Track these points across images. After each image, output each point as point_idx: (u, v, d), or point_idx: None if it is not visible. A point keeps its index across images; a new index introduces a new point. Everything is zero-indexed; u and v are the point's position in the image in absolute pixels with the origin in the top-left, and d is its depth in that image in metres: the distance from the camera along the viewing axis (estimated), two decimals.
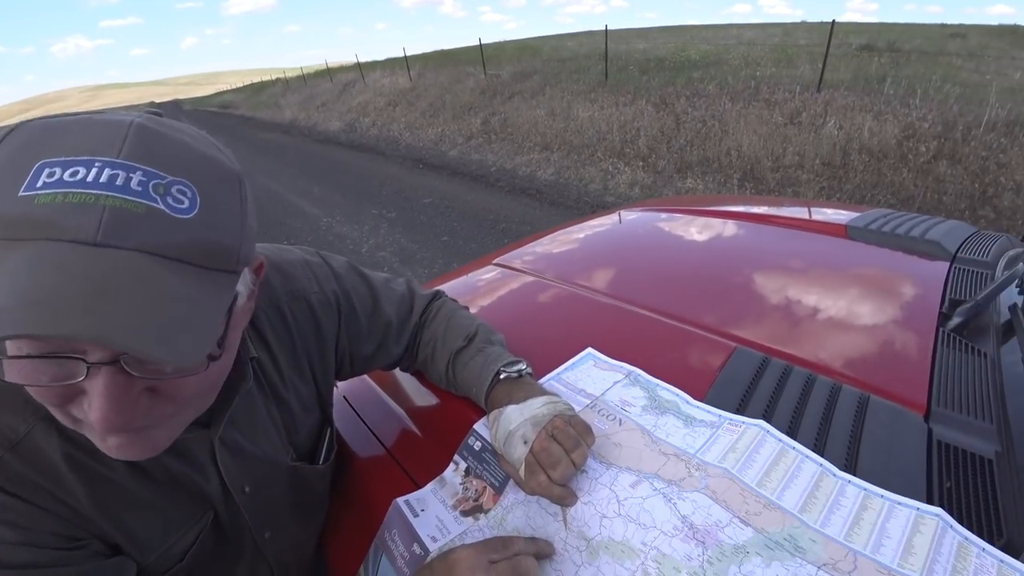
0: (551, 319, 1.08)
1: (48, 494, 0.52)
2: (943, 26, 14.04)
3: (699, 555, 0.55)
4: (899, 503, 0.59)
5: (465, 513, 0.70)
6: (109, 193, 0.40)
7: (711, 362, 0.85)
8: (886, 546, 0.54)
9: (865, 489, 0.61)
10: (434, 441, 0.86)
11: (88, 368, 0.42)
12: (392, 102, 13.75)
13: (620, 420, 0.75)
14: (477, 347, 0.83)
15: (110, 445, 0.47)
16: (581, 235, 1.54)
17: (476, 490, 0.72)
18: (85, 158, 0.40)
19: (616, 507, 0.63)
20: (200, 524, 0.63)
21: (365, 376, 1.08)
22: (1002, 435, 0.70)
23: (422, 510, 0.72)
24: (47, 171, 0.40)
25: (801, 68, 8.28)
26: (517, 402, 0.71)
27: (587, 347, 0.91)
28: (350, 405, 1.05)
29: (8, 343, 0.42)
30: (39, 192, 0.39)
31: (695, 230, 1.44)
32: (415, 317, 0.88)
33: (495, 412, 0.72)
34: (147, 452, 0.49)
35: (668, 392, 0.79)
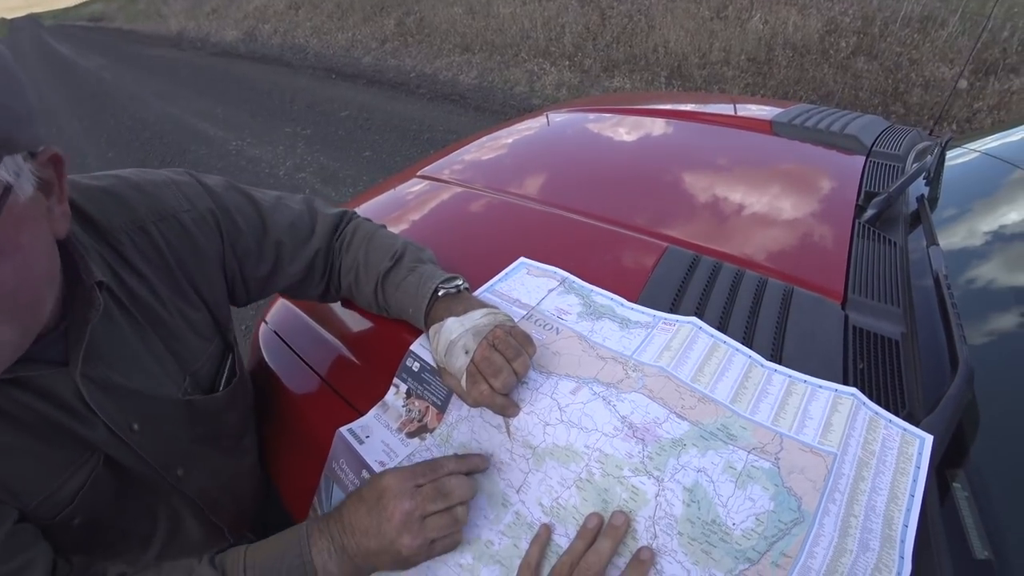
0: (481, 230, 1.06)
1: None
2: None
3: (639, 452, 0.58)
4: (820, 386, 0.64)
5: (411, 435, 0.71)
6: None
7: (643, 262, 0.86)
8: (808, 426, 0.59)
9: (790, 376, 0.66)
10: (371, 366, 0.84)
11: None
12: (294, 4, 12.48)
13: (557, 329, 0.75)
14: (408, 267, 0.80)
15: None
16: (508, 140, 1.48)
17: (419, 411, 0.73)
18: None
19: (558, 414, 0.64)
20: (88, 466, 0.60)
21: (293, 306, 1.04)
22: (907, 318, 0.75)
23: (367, 436, 0.72)
24: None
25: None
26: (457, 315, 0.70)
27: (519, 257, 0.90)
28: (280, 338, 1.01)
29: None
30: None
31: (623, 130, 1.41)
32: (319, 239, 0.82)
33: (435, 326, 0.71)
34: None
35: (603, 297, 0.80)
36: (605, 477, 0.57)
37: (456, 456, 0.63)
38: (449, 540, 0.58)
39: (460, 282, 0.77)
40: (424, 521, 0.55)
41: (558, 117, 1.61)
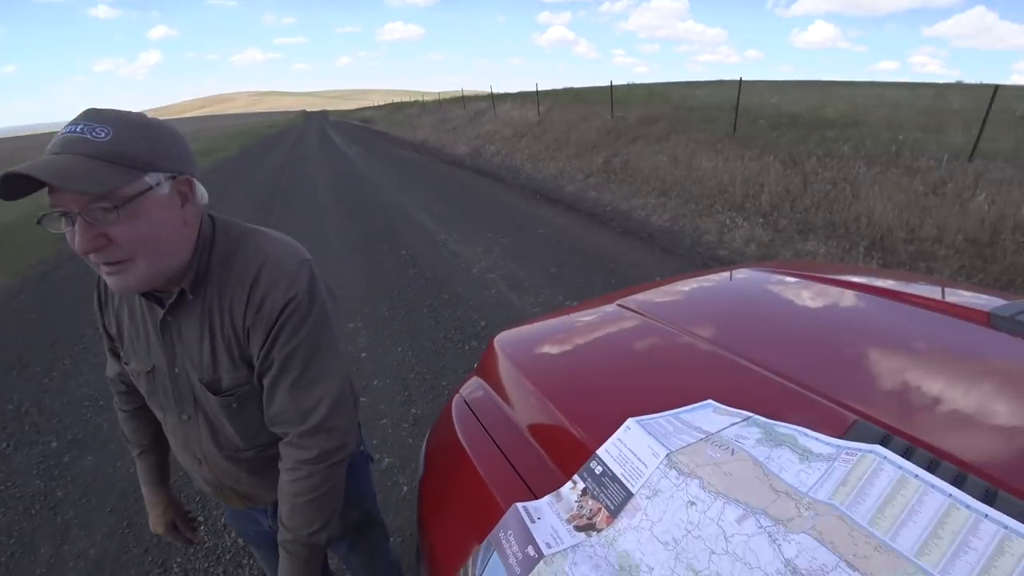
0: (670, 364, 1.13)
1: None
2: None
3: None
4: None
5: (579, 528, 0.75)
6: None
7: (830, 431, 0.84)
8: None
9: (1006, 527, 0.54)
10: (552, 458, 0.93)
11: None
12: (518, 133, 14.30)
13: (733, 450, 0.75)
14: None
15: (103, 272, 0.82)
16: (704, 287, 1.57)
17: (591, 509, 0.77)
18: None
19: (724, 544, 0.63)
20: (146, 364, 0.97)
21: (490, 389, 1.19)
22: None
23: (538, 518, 0.77)
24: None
25: (951, 135, 7.71)
26: None
27: (708, 399, 0.92)
28: (471, 410, 1.16)
29: None
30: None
31: (819, 297, 1.43)
32: (298, 425, 0.95)
33: None
34: (119, 286, 0.82)
35: (786, 428, 0.78)
36: None
37: None
38: None
39: None
40: None
41: (756, 273, 1.67)
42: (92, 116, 0.77)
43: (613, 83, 13.09)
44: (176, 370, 0.95)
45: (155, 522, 1.23)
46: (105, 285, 0.99)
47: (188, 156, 0.86)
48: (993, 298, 1.36)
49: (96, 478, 2.84)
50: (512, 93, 22.66)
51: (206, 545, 2.22)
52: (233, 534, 2.26)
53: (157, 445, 1.20)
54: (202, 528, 2.29)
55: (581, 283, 4.65)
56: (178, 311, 0.91)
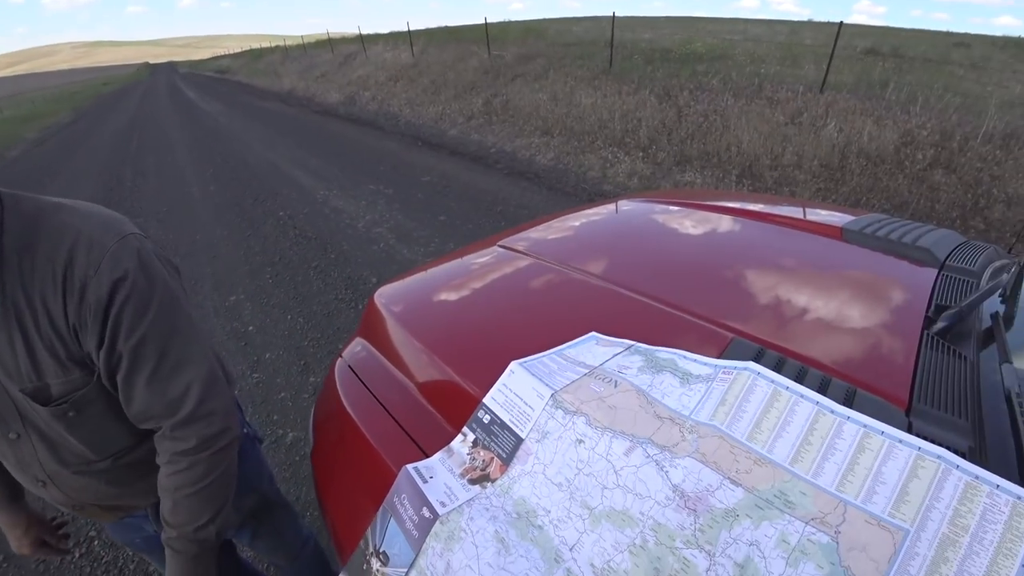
0: (554, 301, 1.12)
1: None
2: (948, 34, 14.13)
3: (691, 523, 0.56)
4: (900, 441, 0.57)
5: (472, 481, 0.73)
6: None
7: (709, 351, 0.89)
8: (879, 493, 0.53)
9: (864, 426, 0.59)
10: (441, 413, 0.90)
11: None
12: (393, 77, 13.61)
13: (616, 382, 0.75)
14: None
15: None
16: (585, 222, 1.57)
17: (483, 460, 0.76)
18: None
19: (614, 478, 0.64)
20: None
21: (373, 348, 1.12)
22: (976, 431, 0.74)
23: (431, 477, 0.74)
24: None
25: (805, 68, 8.31)
26: None
27: (590, 332, 0.93)
28: (355, 373, 1.09)
29: None
30: None
31: (695, 223, 1.47)
32: (168, 418, 0.83)
33: None
34: None
35: (666, 352, 0.79)
36: (658, 546, 0.56)
37: None
38: None
39: None
40: None
41: (635, 205, 1.70)
42: None
43: (488, 20, 12.69)
44: None
45: (17, 544, 1.06)
46: None
47: None
48: (845, 215, 1.48)
49: None
50: (383, 34, 21.43)
51: (104, 560, 2.00)
52: None
53: None
54: (96, 543, 2.06)
55: (471, 228, 4.58)
56: None
